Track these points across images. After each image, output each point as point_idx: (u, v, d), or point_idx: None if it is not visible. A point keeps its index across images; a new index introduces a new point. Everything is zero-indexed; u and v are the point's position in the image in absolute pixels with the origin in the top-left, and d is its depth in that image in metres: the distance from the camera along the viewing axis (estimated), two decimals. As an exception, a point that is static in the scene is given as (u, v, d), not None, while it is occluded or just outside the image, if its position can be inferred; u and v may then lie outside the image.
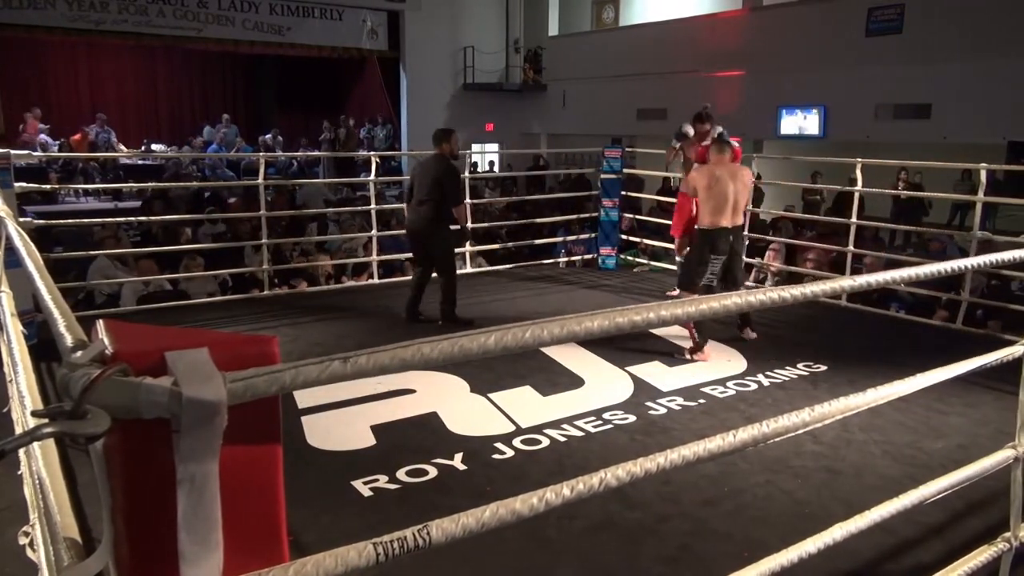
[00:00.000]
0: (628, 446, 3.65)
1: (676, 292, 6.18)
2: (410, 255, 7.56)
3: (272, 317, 5.83)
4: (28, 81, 15.51)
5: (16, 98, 14.52)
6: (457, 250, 7.86)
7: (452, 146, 5.61)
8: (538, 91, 17.52)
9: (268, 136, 16.00)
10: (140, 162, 14.20)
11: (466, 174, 8.23)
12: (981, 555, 2.18)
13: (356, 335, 5.35)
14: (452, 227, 5.73)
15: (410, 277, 7.17)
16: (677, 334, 5.35)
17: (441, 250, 5.65)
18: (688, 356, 4.92)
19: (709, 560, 2.68)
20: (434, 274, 5.74)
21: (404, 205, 5.99)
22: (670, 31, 14.67)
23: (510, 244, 8.71)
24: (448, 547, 1.16)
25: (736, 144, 5.42)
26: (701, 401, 4.23)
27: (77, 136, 14.01)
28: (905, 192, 10.19)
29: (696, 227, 5.16)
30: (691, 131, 6.17)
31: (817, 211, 10.87)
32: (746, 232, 7.14)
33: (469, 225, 6.16)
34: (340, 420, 3.90)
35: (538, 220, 9.23)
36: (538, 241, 8.56)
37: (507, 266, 7.95)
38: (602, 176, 8.01)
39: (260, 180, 6.62)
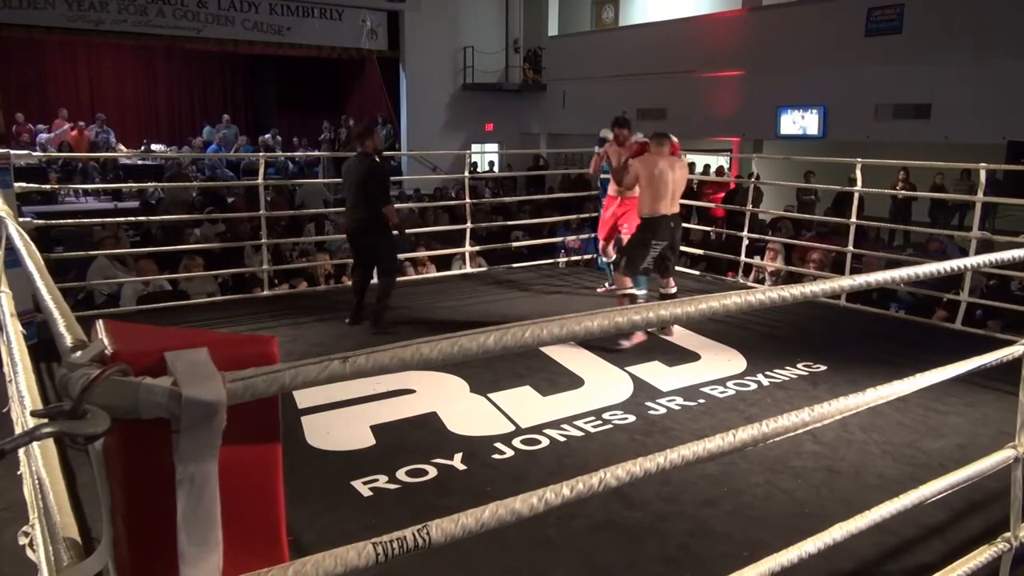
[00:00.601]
0: (628, 446, 3.64)
1: (608, 286, 6.52)
2: (410, 255, 7.58)
3: (271, 317, 5.83)
4: (27, 81, 15.51)
5: (15, 98, 14.53)
6: (456, 250, 7.88)
7: (375, 142, 5.49)
8: (538, 91, 17.52)
9: (268, 136, 16.01)
10: (140, 162, 14.20)
11: (466, 174, 8.25)
12: (981, 555, 2.18)
13: (356, 335, 5.35)
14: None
15: (410, 277, 7.18)
16: (678, 334, 5.36)
17: (383, 253, 5.50)
18: (622, 343, 5.04)
19: (709, 560, 2.68)
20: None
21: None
22: (670, 31, 14.67)
23: (511, 244, 8.71)
24: (448, 547, 1.16)
25: (675, 139, 5.56)
26: (701, 401, 4.23)
27: (74, 132, 14.00)
28: (904, 192, 10.19)
29: (640, 215, 5.33)
30: (611, 135, 6.24)
31: (812, 211, 10.88)
32: (747, 232, 7.16)
33: (401, 226, 5.71)
34: (340, 420, 3.90)
35: (538, 220, 9.23)
36: (538, 241, 8.56)
37: (506, 266, 7.94)
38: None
39: (260, 180, 6.62)
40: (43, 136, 13.86)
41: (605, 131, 6.28)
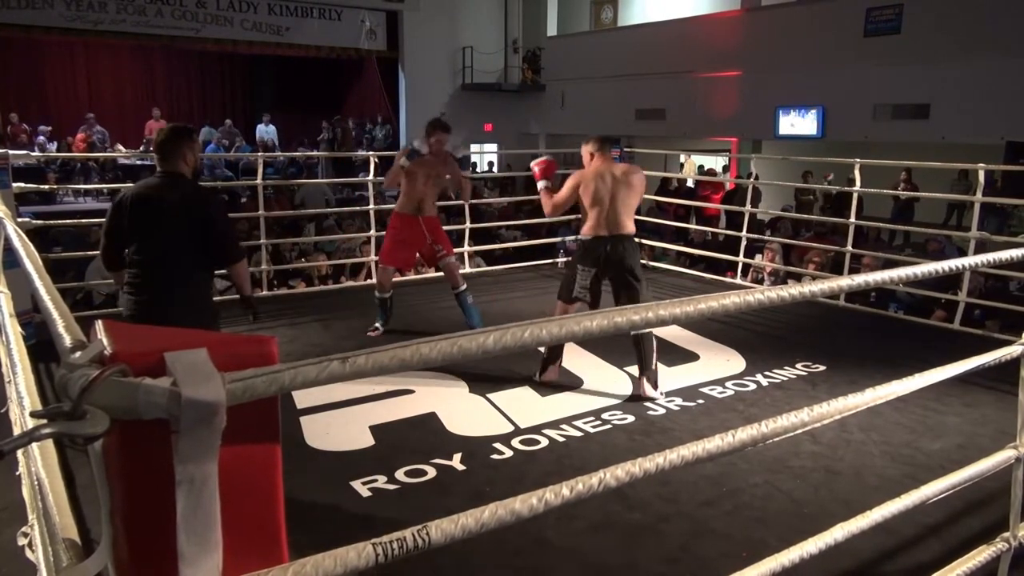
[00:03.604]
0: (627, 446, 3.65)
1: (378, 327, 5.36)
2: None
3: (271, 317, 5.83)
4: (25, 81, 15.49)
5: (14, 99, 14.52)
6: (455, 251, 7.87)
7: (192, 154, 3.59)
8: (537, 91, 17.52)
9: (262, 126, 15.96)
10: (139, 162, 14.19)
11: (465, 174, 8.23)
12: (980, 555, 2.18)
13: (355, 335, 5.35)
14: None
15: (409, 277, 7.18)
16: (677, 335, 5.36)
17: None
18: (536, 377, 4.49)
19: (708, 560, 2.68)
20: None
21: None
22: (669, 31, 14.68)
23: (509, 245, 8.71)
24: (447, 547, 1.16)
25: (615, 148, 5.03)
26: (700, 401, 4.23)
27: (81, 135, 14.03)
28: (903, 192, 10.20)
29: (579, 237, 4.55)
30: (426, 148, 5.14)
31: (810, 211, 10.88)
32: (745, 232, 7.17)
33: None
34: (339, 420, 3.90)
35: (537, 220, 9.23)
36: (537, 241, 8.56)
37: (506, 266, 7.94)
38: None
39: (259, 180, 6.62)
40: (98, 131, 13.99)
41: (418, 142, 5.17)
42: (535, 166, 4.67)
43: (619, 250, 4.31)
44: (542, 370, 4.49)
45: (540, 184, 4.60)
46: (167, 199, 3.15)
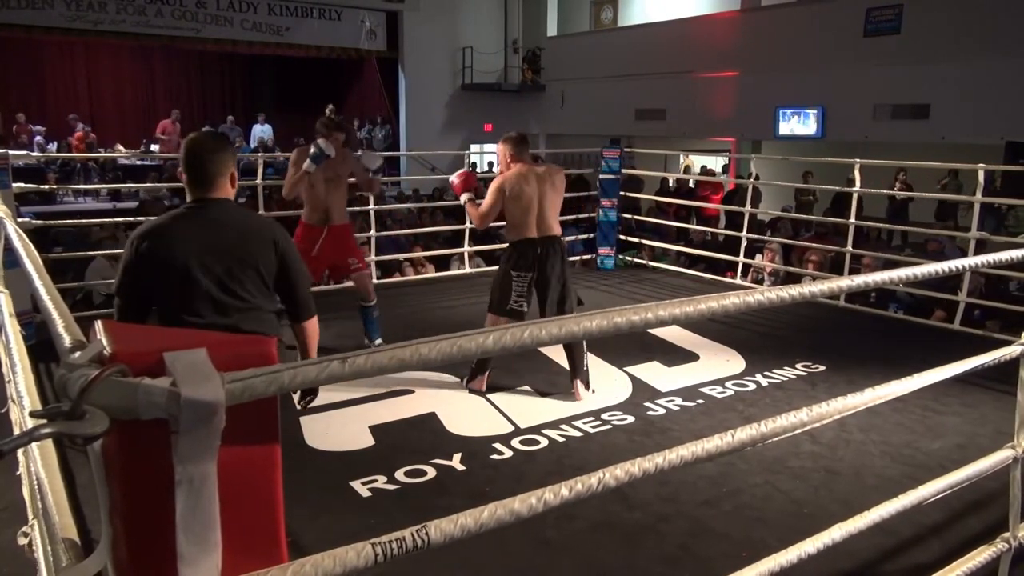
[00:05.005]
0: (627, 446, 3.64)
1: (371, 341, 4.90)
2: (409, 255, 7.58)
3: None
4: (25, 81, 15.49)
5: (13, 98, 14.51)
6: (454, 251, 7.88)
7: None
8: (536, 91, 17.52)
9: (258, 125, 15.94)
10: (139, 162, 14.19)
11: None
12: (980, 555, 2.18)
13: (355, 335, 5.34)
14: None
15: (409, 278, 7.18)
16: (677, 335, 5.36)
17: None
18: (465, 385, 4.37)
19: (708, 560, 2.68)
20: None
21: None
22: (668, 32, 14.68)
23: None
24: (447, 548, 1.16)
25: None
26: (699, 401, 4.23)
27: (79, 134, 14.02)
28: (901, 192, 10.19)
29: (506, 240, 4.42)
30: (332, 150, 4.50)
31: (810, 211, 10.89)
32: (745, 233, 7.17)
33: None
34: (338, 420, 3.90)
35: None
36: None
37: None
38: (601, 176, 8.01)
39: (259, 180, 6.62)
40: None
41: (323, 142, 4.48)
42: (455, 179, 4.45)
43: (550, 253, 4.20)
44: (470, 378, 4.33)
45: (463, 197, 4.41)
46: (219, 238, 2.27)
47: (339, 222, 4.76)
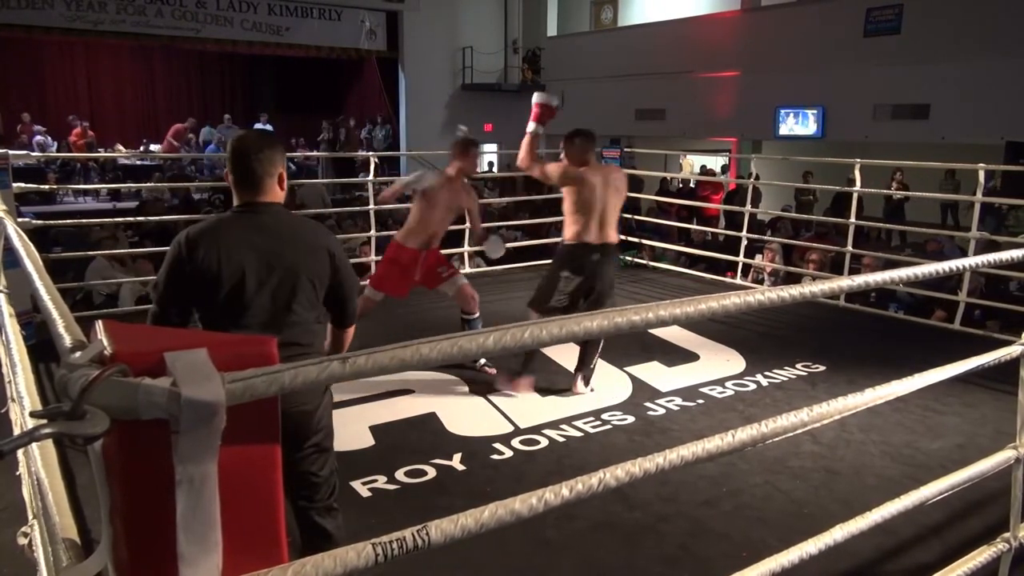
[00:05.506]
0: (627, 446, 3.64)
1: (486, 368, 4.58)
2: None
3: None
4: (25, 81, 15.50)
5: (14, 99, 14.52)
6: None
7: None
8: (537, 91, 17.54)
9: (259, 125, 15.95)
10: (139, 162, 14.20)
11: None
12: (980, 555, 2.18)
13: (356, 336, 5.35)
14: None
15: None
16: (677, 335, 5.35)
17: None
18: (500, 387, 4.28)
19: (708, 560, 2.68)
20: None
21: None
22: (668, 32, 14.68)
23: (509, 245, 8.69)
24: (447, 548, 1.16)
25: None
26: (700, 401, 4.23)
27: (77, 131, 14.03)
28: (899, 192, 10.20)
29: (562, 242, 4.29)
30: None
31: (810, 211, 10.90)
32: (746, 232, 7.17)
33: None
34: (338, 420, 3.85)
35: (536, 220, 9.23)
36: (537, 241, 8.55)
37: (506, 266, 7.93)
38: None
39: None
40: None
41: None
42: (538, 104, 4.16)
43: (605, 261, 4.13)
44: (511, 378, 4.28)
45: (531, 127, 4.13)
46: (271, 246, 2.12)
47: (435, 247, 4.66)
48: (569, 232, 4.14)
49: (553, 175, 4.11)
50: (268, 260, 2.11)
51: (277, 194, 2.20)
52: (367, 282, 4.60)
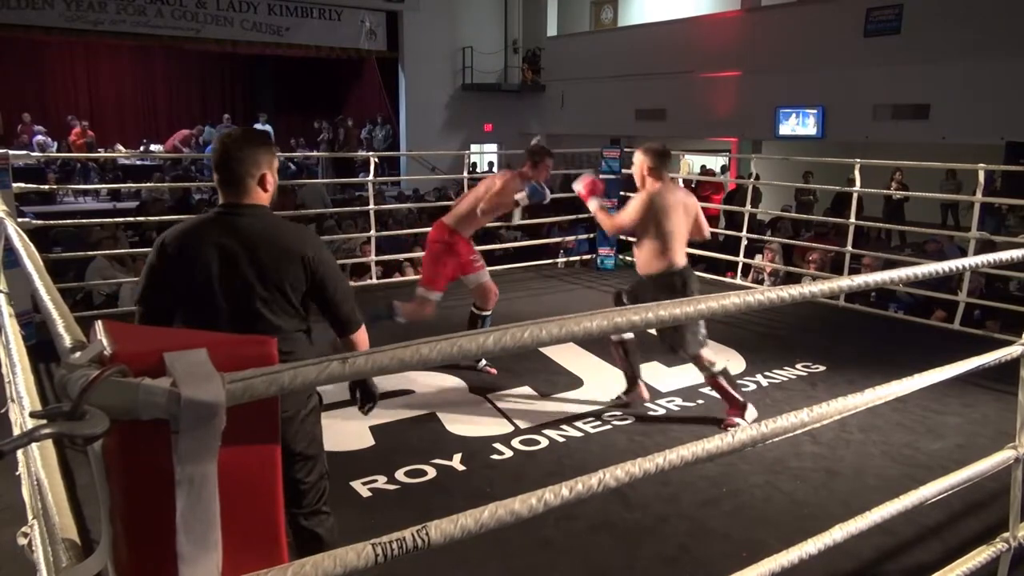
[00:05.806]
0: (627, 447, 3.64)
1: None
2: (409, 255, 7.57)
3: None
4: (25, 81, 15.50)
5: (13, 98, 14.52)
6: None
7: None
8: (536, 91, 17.53)
9: (259, 125, 15.95)
10: (139, 162, 14.20)
11: (465, 174, 8.25)
12: (980, 555, 2.18)
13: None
14: None
15: (409, 277, 7.17)
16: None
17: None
18: (623, 396, 4.19)
19: (708, 560, 2.68)
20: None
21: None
22: (668, 32, 14.68)
23: (509, 245, 8.70)
24: (447, 548, 1.16)
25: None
26: (700, 402, 4.23)
27: (77, 129, 14.04)
28: (899, 192, 10.20)
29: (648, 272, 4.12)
30: (548, 197, 4.67)
31: (810, 211, 10.89)
32: (746, 232, 7.17)
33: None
34: (339, 420, 3.89)
35: (536, 220, 9.22)
36: (537, 241, 8.56)
37: (505, 267, 7.94)
38: (601, 177, 8.01)
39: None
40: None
41: (544, 186, 4.59)
42: (580, 187, 4.14)
43: (689, 283, 4.01)
44: (628, 391, 4.18)
45: (592, 204, 4.09)
46: (241, 250, 2.06)
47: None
48: (652, 260, 3.97)
49: (639, 213, 3.90)
50: (235, 263, 2.04)
51: (260, 196, 2.13)
52: (418, 285, 4.75)
